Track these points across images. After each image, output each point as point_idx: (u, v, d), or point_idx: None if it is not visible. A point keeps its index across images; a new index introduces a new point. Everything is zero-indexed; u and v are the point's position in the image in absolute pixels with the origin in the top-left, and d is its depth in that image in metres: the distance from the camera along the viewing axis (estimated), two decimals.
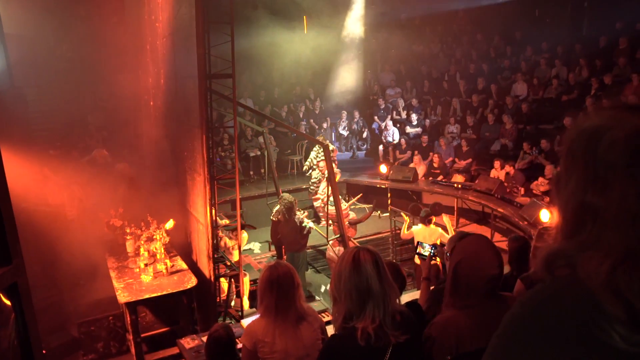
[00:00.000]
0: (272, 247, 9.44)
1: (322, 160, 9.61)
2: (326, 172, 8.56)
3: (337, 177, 9.71)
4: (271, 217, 8.66)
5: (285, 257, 8.43)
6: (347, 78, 15.37)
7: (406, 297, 4.39)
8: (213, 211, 6.53)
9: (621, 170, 0.82)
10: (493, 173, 10.63)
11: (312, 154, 10.61)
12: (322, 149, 9.01)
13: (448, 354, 2.18)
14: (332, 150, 10.01)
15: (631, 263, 0.78)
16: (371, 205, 10.57)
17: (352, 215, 8.79)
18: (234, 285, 7.19)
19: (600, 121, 0.88)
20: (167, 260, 6.30)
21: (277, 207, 8.35)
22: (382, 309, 2.13)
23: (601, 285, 0.80)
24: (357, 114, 14.63)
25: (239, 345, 3.62)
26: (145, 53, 8.92)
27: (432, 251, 3.28)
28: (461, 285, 2.18)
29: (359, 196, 10.22)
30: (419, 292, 3.41)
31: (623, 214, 0.81)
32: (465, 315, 2.18)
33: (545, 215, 8.04)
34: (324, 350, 2.34)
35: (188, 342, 5.08)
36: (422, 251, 3.38)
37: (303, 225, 7.76)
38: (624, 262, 0.79)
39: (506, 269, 2.77)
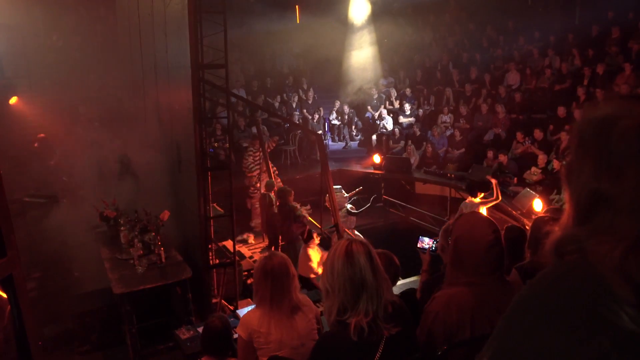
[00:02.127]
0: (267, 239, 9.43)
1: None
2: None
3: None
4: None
5: (280, 247, 8.48)
6: (340, 67, 15.32)
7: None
8: (207, 202, 6.52)
9: (634, 158, 0.84)
10: (486, 162, 10.67)
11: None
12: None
13: (450, 330, 2.18)
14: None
15: None
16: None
17: (350, 205, 8.77)
18: (228, 276, 7.19)
19: (611, 110, 0.89)
20: (162, 252, 6.29)
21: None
22: (375, 301, 2.11)
23: (613, 269, 0.81)
24: (346, 108, 14.60)
25: (235, 336, 3.63)
26: (136, 43, 8.85)
27: (433, 245, 3.30)
28: (464, 260, 2.22)
29: (359, 189, 10.19)
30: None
31: (637, 200, 0.83)
32: (470, 293, 2.19)
33: (538, 205, 8.10)
34: (315, 349, 2.29)
35: (183, 333, 5.09)
36: (422, 245, 3.40)
37: (297, 214, 7.76)
38: (637, 247, 0.80)
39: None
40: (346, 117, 14.56)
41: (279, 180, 9.43)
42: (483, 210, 7.50)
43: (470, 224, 2.28)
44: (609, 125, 0.88)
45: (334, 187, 8.62)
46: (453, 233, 2.31)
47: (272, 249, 8.97)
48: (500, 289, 2.16)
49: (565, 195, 0.98)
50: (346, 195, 8.66)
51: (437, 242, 3.29)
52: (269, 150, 9.95)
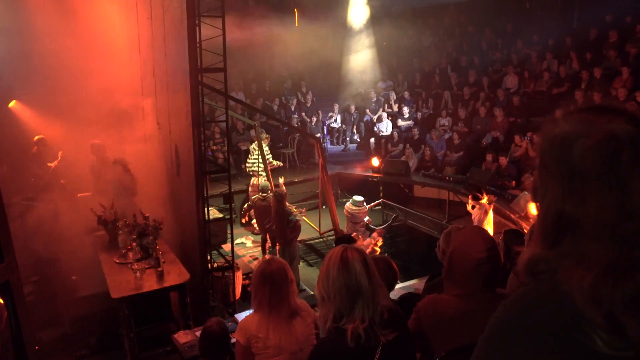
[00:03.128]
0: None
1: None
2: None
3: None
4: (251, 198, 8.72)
5: (270, 247, 8.51)
6: (339, 71, 15.34)
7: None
8: (205, 205, 6.52)
9: (595, 180, 0.80)
10: (484, 166, 10.68)
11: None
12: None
13: (426, 331, 2.27)
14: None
15: (612, 276, 0.78)
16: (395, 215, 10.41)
17: (367, 218, 8.63)
18: (226, 280, 7.18)
19: (570, 127, 0.85)
20: (160, 255, 6.28)
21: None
22: (371, 307, 2.11)
23: (584, 300, 0.79)
24: (352, 107, 14.68)
25: (233, 340, 3.63)
26: (135, 46, 8.85)
27: None
28: (455, 272, 2.26)
29: (378, 201, 10.13)
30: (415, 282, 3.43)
31: (601, 225, 0.80)
32: (455, 302, 2.23)
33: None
34: (312, 355, 2.28)
35: (182, 337, 5.07)
36: None
37: (290, 218, 7.75)
38: (606, 276, 0.78)
39: None
40: (352, 116, 14.60)
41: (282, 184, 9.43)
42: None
43: (466, 239, 2.30)
44: (567, 144, 0.84)
45: (356, 198, 8.54)
46: (451, 244, 2.35)
47: (268, 247, 9.02)
48: (488, 301, 2.17)
49: (536, 214, 0.96)
50: (367, 207, 8.52)
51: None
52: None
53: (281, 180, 9.45)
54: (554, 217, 0.87)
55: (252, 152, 10.06)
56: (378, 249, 6.91)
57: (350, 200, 8.63)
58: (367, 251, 6.83)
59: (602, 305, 0.78)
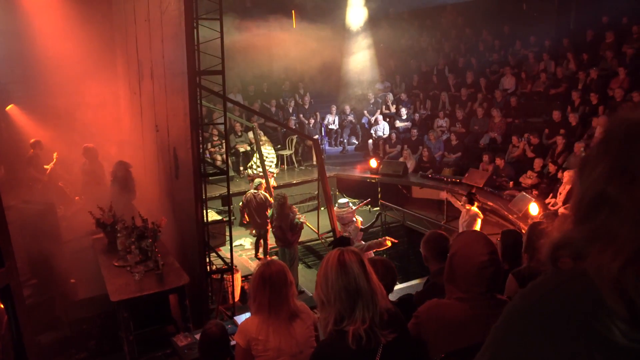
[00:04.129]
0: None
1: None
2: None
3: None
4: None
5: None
6: (337, 72, 15.35)
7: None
8: (204, 207, 6.52)
9: None
10: (482, 166, 10.71)
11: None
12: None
13: (428, 336, 2.26)
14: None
15: None
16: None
17: (359, 219, 8.53)
18: (226, 282, 7.19)
19: None
20: (159, 258, 6.28)
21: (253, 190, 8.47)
22: (371, 309, 2.12)
23: (609, 281, 0.79)
24: (347, 108, 14.69)
25: (233, 343, 3.63)
26: (133, 49, 8.85)
27: None
28: (457, 277, 2.25)
29: (367, 200, 10.13)
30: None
31: None
32: (458, 306, 2.23)
33: (534, 209, 8.12)
34: (313, 358, 2.29)
35: (181, 340, 5.07)
36: None
37: (294, 222, 7.76)
38: (636, 262, 0.78)
39: None
40: (348, 117, 14.61)
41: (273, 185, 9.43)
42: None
43: (467, 242, 2.30)
44: (637, 130, 0.84)
45: (341, 200, 8.51)
46: (451, 248, 2.34)
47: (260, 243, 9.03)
48: (490, 306, 2.18)
49: (573, 191, 0.94)
50: (354, 208, 8.43)
51: None
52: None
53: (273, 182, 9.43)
54: (595, 193, 0.86)
55: (253, 160, 10.07)
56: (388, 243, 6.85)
57: (336, 204, 8.59)
58: (374, 250, 6.83)
59: (625, 291, 0.77)
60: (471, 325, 2.14)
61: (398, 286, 7.79)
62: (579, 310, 0.83)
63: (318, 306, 2.24)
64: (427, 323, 2.30)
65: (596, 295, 0.80)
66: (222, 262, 7.07)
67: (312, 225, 9.72)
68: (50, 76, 10.21)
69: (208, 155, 11.25)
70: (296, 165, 13.44)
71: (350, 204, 8.45)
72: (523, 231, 5.94)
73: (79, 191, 9.00)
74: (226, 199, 7.44)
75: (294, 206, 8.63)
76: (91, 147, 8.79)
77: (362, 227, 8.53)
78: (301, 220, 7.94)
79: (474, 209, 7.75)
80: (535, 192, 9.11)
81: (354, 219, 8.22)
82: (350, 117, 14.77)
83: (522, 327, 0.89)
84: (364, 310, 2.11)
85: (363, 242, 7.14)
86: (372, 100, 14.84)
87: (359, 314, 2.10)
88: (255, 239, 9.55)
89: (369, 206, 11.54)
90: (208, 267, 6.78)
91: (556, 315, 0.85)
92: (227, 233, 7.77)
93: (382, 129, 13.71)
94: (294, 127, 13.28)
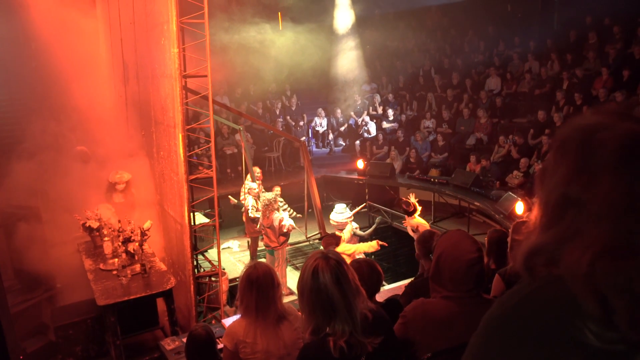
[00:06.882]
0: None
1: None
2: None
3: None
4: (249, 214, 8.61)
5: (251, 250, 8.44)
6: (324, 74, 15.37)
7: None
8: (191, 210, 6.49)
9: (611, 166, 0.83)
10: (469, 167, 10.78)
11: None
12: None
13: (416, 335, 2.27)
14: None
15: (610, 257, 0.79)
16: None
17: (355, 225, 8.30)
18: (213, 285, 7.16)
19: (596, 120, 0.89)
20: (146, 262, 6.24)
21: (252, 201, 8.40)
22: (350, 321, 2.10)
23: (581, 278, 0.80)
24: (339, 112, 14.73)
25: (220, 346, 3.62)
26: (118, 52, 8.79)
27: None
28: (444, 277, 2.25)
29: (363, 205, 10.03)
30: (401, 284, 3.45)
31: (607, 207, 0.82)
32: (444, 305, 2.24)
33: (520, 208, 8.19)
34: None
35: (169, 344, 5.05)
36: None
37: (282, 224, 7.75)
38: (604, 256, 0.79)
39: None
40: (340, 119, 14.64)
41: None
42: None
43: (454, 241, 2.31)
44: (591, 131, 0.87)
45: (339, 205, 8.37)
46: (436, 248, 2.34)
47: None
48: (477, 304, 2.20)
49: (537, 200, 0.97)
50: (350, 214, 8.18)
51: None
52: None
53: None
54: (558, 196, 0.89)
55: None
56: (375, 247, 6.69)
57: (334, 209, 8.38)
58: (364, 251, 6.81)
59: (597, 288, 0.79)
60: (458, 322, 2.16)
61: (387, 287, 7.82)
62: (553, 315, 0.84)
63: (301, 312, 2.25)
64: (414, 322, 2.31)
65: (570, 299, 0.82)
66: (209, 265, 7.04)
67: (300, 227, 9.72)
68: (34, 79, 10.11)
69: (195, 157, 11.20)
70: (283, 166, 13.44)
71: (348, 210, 8.19)
72: (509, 231, 5.99)
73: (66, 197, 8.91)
74: (213, 202, 7.41)
75: (283, 207, 8.63)
76: (84, 149, 8.70)
77: (363, 232, 8.38)
78: (290, 219, 7.92)
79: (417, 219, 7.16)
80: (521, 192, 9.19)
81: (351, 223, 8.04)
82: (341, 121, 14.81)
83: (499, 335, 0.90)
84: (342, 324, 2.09)
85: (351, 245, 7.13)
86: (359, 102, 14.89)
87: (338, 327, 2.10)
88: (241, 241, 9.53)
89: (366, 209, 11.53)
90: (195, 270, 6.75)
91: (531, 321, 0.86)
92: (215, 236, 7.73)
93: (369, 130, 13.76)
94: (280, 129, 13.27)
